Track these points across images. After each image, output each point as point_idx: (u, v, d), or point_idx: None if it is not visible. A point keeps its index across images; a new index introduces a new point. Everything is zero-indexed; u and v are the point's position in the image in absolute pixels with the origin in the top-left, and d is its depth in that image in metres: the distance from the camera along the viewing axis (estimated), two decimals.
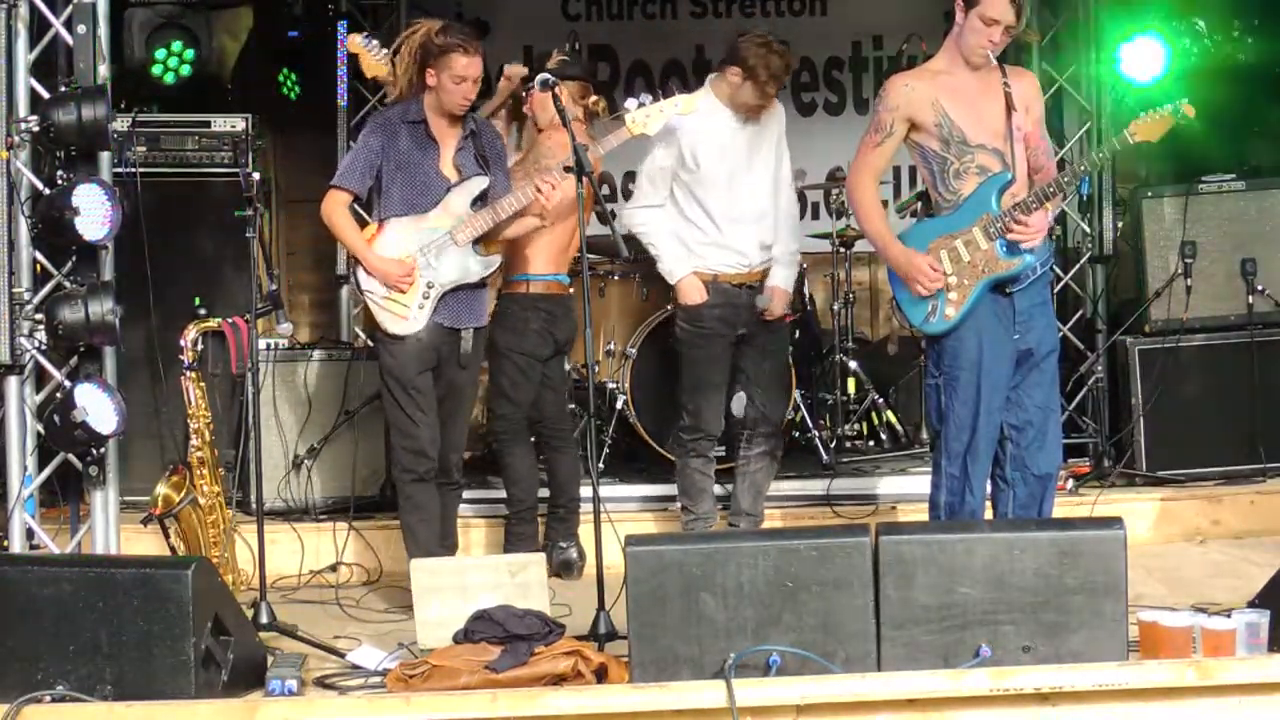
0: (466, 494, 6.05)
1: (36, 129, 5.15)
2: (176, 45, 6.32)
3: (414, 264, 5.33)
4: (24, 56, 5.23)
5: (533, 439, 6.08)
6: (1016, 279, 4.88)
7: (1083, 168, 4.80)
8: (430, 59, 5.29)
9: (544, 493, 6.11)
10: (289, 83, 7.87)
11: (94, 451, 5.20)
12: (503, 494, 6.03)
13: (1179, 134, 6.17)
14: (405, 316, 5.34)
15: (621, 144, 5.58)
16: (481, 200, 5.39)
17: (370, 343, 7.85)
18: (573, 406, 6.45)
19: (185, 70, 6.39)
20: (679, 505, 6.08)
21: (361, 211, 5.82)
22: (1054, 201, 4.89)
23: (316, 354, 6.56)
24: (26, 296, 5.18)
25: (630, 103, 5.51)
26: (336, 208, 5.41)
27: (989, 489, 5.06)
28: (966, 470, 4.93)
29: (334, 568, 6.08)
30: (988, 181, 4.87)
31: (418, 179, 5.38)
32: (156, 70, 6.32)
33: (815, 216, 8.42)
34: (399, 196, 5.37)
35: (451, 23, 5.45)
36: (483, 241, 5.41)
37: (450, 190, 5.38)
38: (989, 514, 5.10)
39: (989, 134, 4.88)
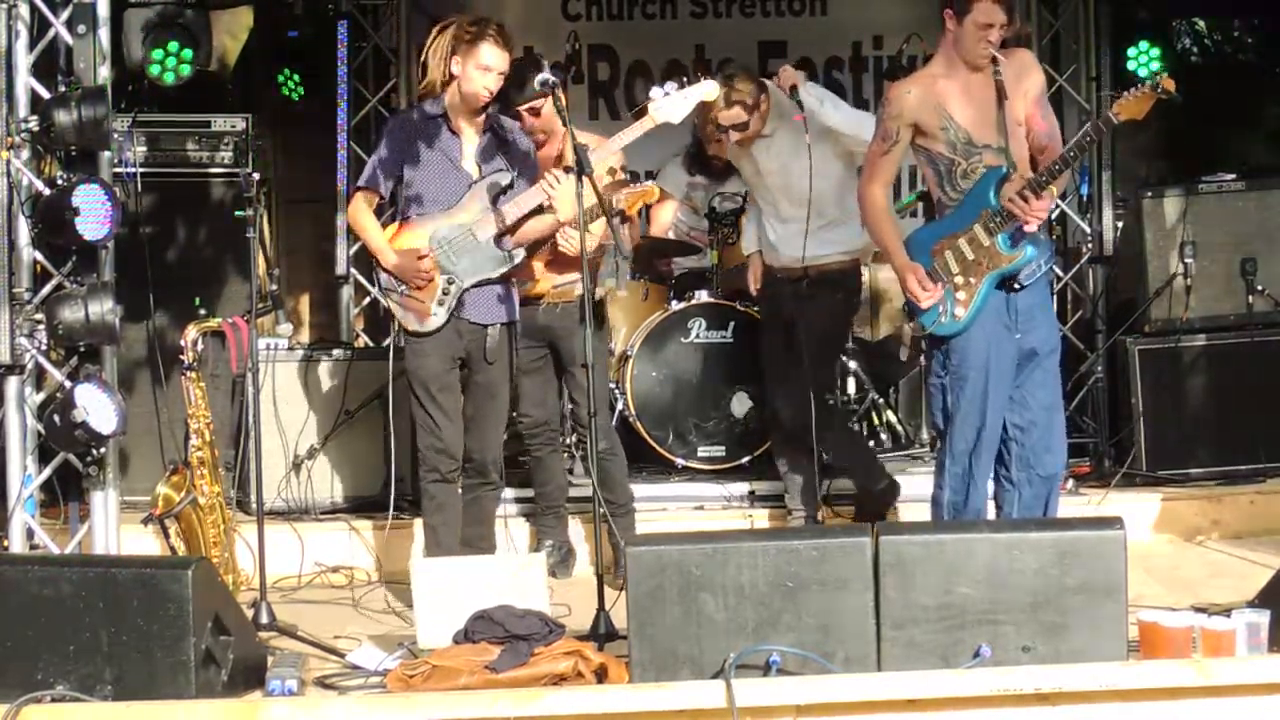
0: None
1: (36, 129, 5.16)
2: (173, 45, 6.31)
3: (432, 258, 5.30)
4: (24, 56, 5.23)
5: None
6: (1020, 272, 4.90)
7: (1072, 154, 4.84)
8: (459, 47, 5.25)
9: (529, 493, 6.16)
10: (290, 83, 7.87)
11: (94, 451, 5.21)
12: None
13: (1179, 133, 6.19)
14: (426, 313, 5.31)
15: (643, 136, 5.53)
16: (503, 196, 5.36)
17: (371, 343, 7.91)
18: (572, 407, 6.44)
19: (184, 70, 6.38)
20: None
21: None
22: (1058, 182, 4.91)
23: (316, 354, 6.55)
24: (26, 296, 5.18)
25: (655, 92, 5.48)
26: (359, 208, 5.45)
27: (992, 489, 5.08)
28: (971, 469, 4.96)
29: (335, 568, 6.08)
30: (984, 178, 4.90)
31: (438, 176, 5.35)
32: (154, 70, 6.32)
33: None
34: (420, 194, 5.36)
35: (489, 18, 5.41)
36: (508, 238, 5.38)
37: (471, 186, 5.35)
38: (992, 513, 5.12)
39: (992, 132, 4.90)
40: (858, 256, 6.08)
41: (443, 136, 5.37)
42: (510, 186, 5.37)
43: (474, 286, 5.34)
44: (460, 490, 5.55)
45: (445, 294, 5.31)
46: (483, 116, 5.40)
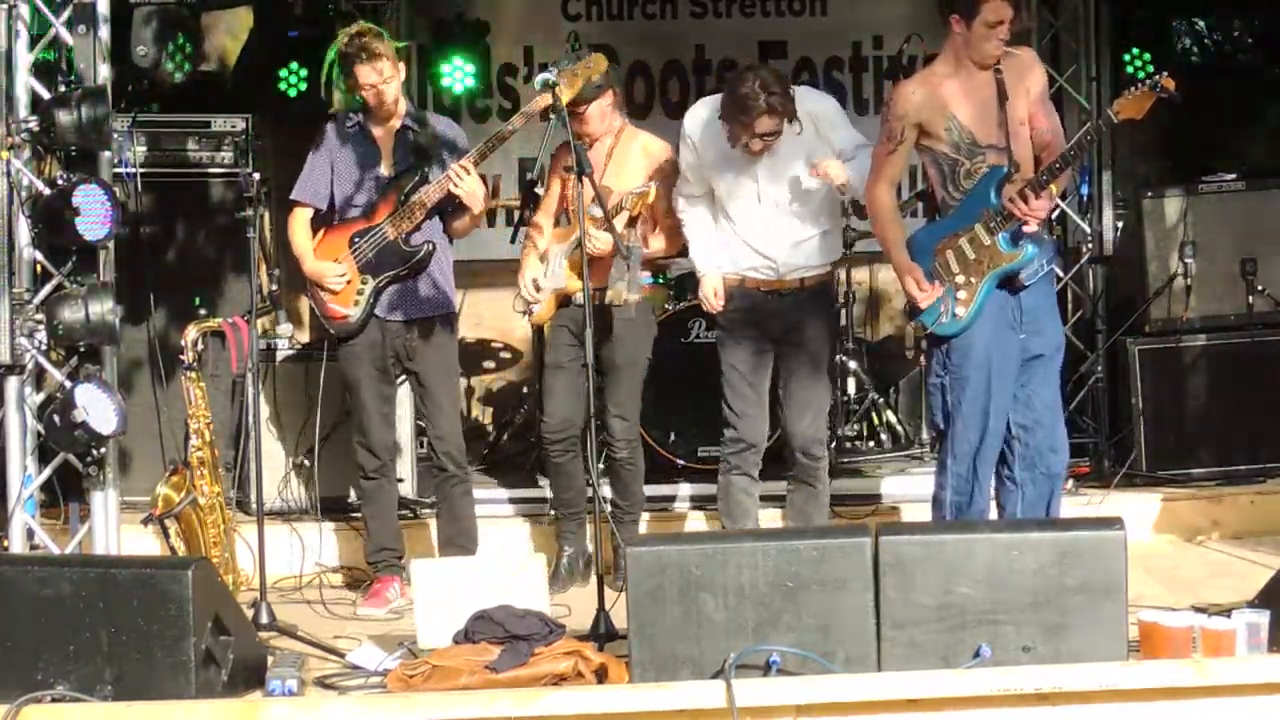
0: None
1: (36, 129, 5.16)
2: (181, 40, 6.32)
3: (347, 263, 5.48)
4: (24, 56, 5.23)
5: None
6: (1021, 271, 4.90)
7: (1072, 153, 4.85)
8: (346, 66, 5.41)
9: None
10: (294, 78, 7.84)
11: (94, 451, 5.21)
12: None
13: (1179, 133, 6.15)
14: (344, 316, 5.51)
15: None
16: (414, 192, 5.46)
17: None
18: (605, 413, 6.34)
19: (186, 67, 6.39)
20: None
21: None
22: (1059, 181, 4.91)
23: (316, 354, 6.53)
24: (26, 296, 5.18)
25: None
26: (293, 222, 5.66)
27: (993, 488, 5.08)
28: (975, 469, 4.97)
29: (335, 568, 6.08)
30: (985, 177, 4.91)
31: (358, 181, 5.53)
32: (169, 67, 6.31)
33: None
34: (345, 200, 5.56)
35: (366, 23, 5.54)
36: (417, 233, 5.46)
37: (386, 186, 5.50)
38: (993, 512, 5.12)
39: (995, 132, 4.92)
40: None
41: (361, 143, 5.54)
42: (424, 181, 5.47)
43: (389, 284, 5.48)
44: (438, 490, 5.73)
45: (360, 294, 5.48)
46: (396, 118, 5.52)
